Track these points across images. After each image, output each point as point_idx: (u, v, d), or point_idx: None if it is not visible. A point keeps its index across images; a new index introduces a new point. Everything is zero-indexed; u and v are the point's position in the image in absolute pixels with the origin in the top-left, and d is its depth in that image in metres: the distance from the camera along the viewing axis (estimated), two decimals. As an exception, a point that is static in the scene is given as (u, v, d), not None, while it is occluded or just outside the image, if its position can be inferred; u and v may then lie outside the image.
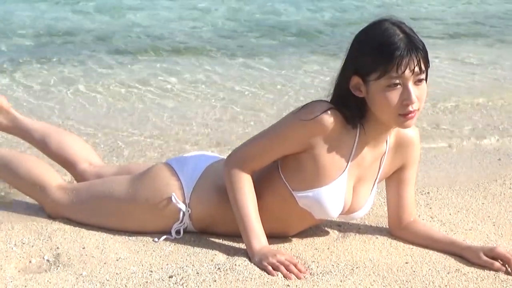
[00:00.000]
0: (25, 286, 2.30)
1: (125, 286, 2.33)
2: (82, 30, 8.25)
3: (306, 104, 2.57)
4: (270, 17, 9.61)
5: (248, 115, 5.14)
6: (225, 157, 2.71)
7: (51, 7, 9.57)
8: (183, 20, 9.13)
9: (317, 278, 2.43)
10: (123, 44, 7.60)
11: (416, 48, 2.42)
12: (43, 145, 3.30)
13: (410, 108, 2.44)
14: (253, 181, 2.62)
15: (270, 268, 2.45)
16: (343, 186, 2.60)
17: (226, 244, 2.69)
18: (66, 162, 3.25)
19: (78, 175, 3.22)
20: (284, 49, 7.67)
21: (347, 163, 2.59)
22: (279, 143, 2.58)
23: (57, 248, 2.60)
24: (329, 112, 2.50)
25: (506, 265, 2.58)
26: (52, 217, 2.90)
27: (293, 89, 5.92)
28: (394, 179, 2.80)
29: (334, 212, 2.64)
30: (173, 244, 2.68)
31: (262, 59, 7.04)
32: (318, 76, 6.37)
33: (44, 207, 2.96)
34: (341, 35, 8.35)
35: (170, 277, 2.39)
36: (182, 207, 2.73)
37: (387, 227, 2.90)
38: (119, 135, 4.57)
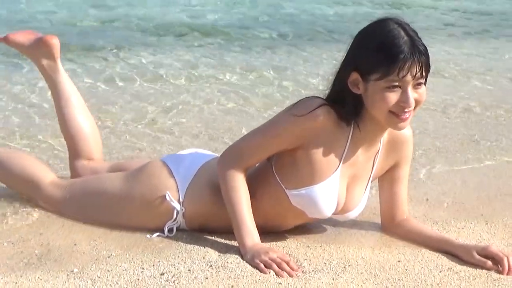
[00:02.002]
0: (16, 282, 2.28)
1: (116, 283, 2.32)
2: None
3: (300, 100, 2.57)
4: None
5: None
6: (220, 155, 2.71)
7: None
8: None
9: (309, 276, 2.42)
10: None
11: (419, 52, 2.40)
12: (61, 112, 3.24)
13: (406, 110, 2.44)
14: (247, 180, 2.61)
15: (262, 266, 2.44)
16: (336, 184, 2.59)
17: (218, 241, 2.68)
18: (70, 146, 3.23)
19: (74, 167, 3.21)
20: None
21: (340, 161, 2.58)
22: (273, 140, 2.57)
23: (48, 244, 2.60)
24: (322, 108, 2.50)
25: (499, 264, 2.58)
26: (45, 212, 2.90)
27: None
28: (387, 177, 2.79)
29: (327, 210, 2.63)
30: (165, 241, 2.67)
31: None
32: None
33: (38, 203, 2.95)
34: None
35: (162, 274, 2.39)
36: (176, 205, 2.72)
37: (380, 225, 2.89)
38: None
